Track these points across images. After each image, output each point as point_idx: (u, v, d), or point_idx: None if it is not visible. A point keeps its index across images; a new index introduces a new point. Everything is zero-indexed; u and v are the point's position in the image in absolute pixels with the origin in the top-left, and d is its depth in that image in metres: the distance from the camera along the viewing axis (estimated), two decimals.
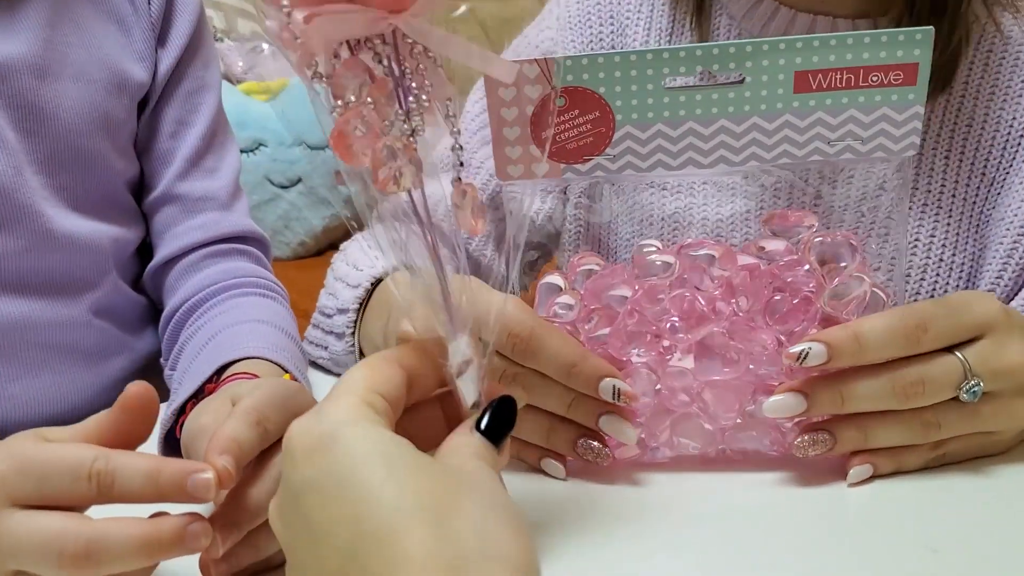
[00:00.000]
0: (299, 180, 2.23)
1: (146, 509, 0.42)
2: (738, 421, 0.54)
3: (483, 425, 0.39)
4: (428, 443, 0.38)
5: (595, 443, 0.53)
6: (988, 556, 0.46)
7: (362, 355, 0.71)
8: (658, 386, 0.54)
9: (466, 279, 0.43)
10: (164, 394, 0.69)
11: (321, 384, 0.72)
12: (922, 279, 0.73)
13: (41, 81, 0.73)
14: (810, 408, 0.50)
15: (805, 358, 0.49)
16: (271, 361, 0.65)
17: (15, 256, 0.72)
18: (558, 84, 0.50)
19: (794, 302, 0.52)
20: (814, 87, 0.50)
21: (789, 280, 0.53)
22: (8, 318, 0.73)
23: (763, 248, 0.55)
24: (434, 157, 0.42)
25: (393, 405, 0.39)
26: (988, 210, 0.73)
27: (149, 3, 0.81)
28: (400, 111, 0.41)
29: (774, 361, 0.53)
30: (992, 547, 0.46)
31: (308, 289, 0.88)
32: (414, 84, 0.41)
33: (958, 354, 0.50)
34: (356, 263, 0.73)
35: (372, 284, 0.70)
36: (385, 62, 0.41)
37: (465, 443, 0.39)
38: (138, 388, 0.43)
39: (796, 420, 0.53)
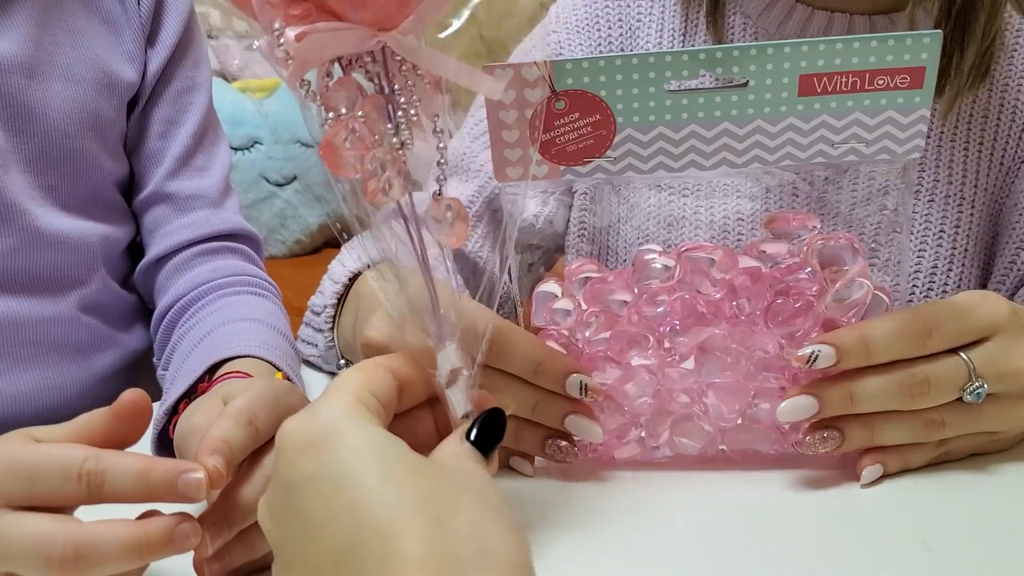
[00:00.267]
0: (295, 178, 2.22)
1: (135, 509, 0.42)
2: (738, 422, 0.54)
3: (472, 436, 0.39)
4: (418, 451, 0.38)
5: (563, 443, 0.53)
6: (980, 553, 0.46)
7: (342, 354, 0.70)
8: (658, 387, 0.54)
9: (454, 291, 0.43)
10: (156, 393, 0.68)
11: (314, 382, 0.72)
12: (949, 271, 0.74)
13: (30, 81, 0.73)
14: (822, 409, 0.51)
15: (815, 360, 0.49)
16: (263, 359, 0.65)
17: (1, 255, 0.72)
18: (559, 87, 0.50)
19: (796, 306, 0.52)
20: (819, 90, 0.49)
21: (791, 283, 0.53)
22: None
23: (764, 251, 0.55)
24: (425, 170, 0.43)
25: (385, 407, 0.39)
26: (1002, 199, 0.74)
27: (139, 3, 0.81)
28: (389, 126, 0.41)
29: (774, 365, 0.53)
30: (984, 545, 0.47)
31: (304, 287, 0.88)
32: (403, 99, 0.41)
33: (963, 356, 0.50)
34: (343, 260, 0.73)
35: (350, 279, 0.70)
36: (376, 80, 0.41)
37: (456, 451, 0.39)
38: (133, 395, 0.43)
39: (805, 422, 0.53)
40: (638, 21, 0.82)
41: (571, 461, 0.54)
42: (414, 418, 0.44)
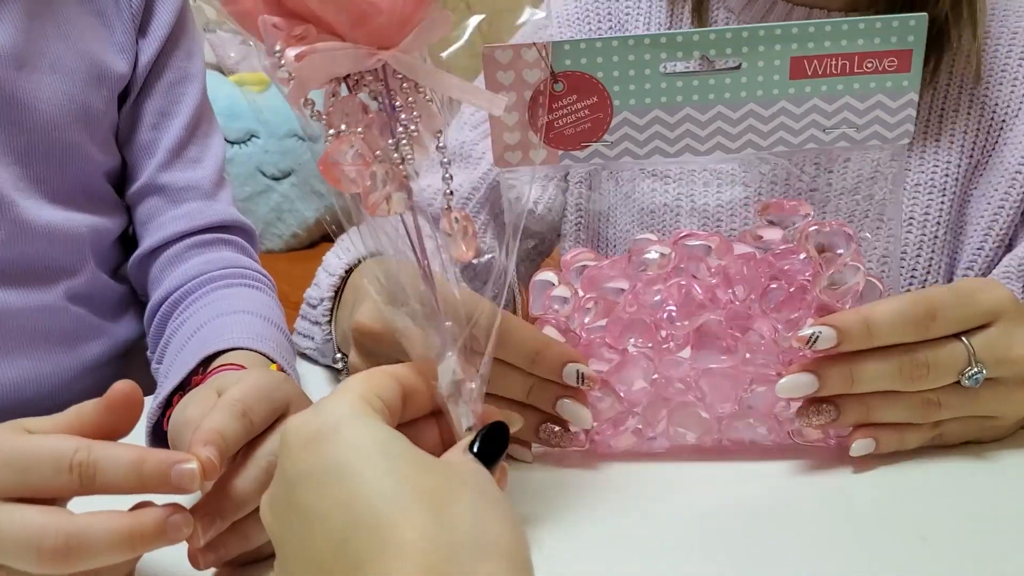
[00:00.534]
0: (291, 172, 2.22)
1: (128, 501, 0.42)
2: (735, 409, 0.54)
3: (475, 448, 0.39)
4: None
5: (557, 427, 0.53)
6: (978, 546, 0.46)
7: (339, 347, 0.70)
8: (655, 375, 0.54)
9: (457, 300, 0.44)
10: (147, 382, 0.68)
11: (309, 375, 0.72)
12: (918, 256, 0.76)
13: (19, 72, 0.73)
14: (822, 387, 0.51)
15: (815, 342, 0.49)
16: (257, 351, 0.65)
17: None
18: (557, 69, 0.50)
19: (791, 290, 0.52)
20: (809, 73, 0.50)
21: (786, 268, 0.53)
22: None
23: (759, 237, 0.55)
24: (420, 188, 0.44)
25: (390, 411, 0.39)
26: (971, 189, 0.76)
27: None
28: (391, 142, 0.42)
29: (771, 350, 0.53)
30: (982, 537, 0.47)
31: (300, 281, 0.88)
32: (403, 116, 0.42)
33: (964, 341, 0.50)
34: (338, 252, 0.73)
35: (347, 272, 0.70)
36: (378, 98, 0.42)
37: (459, 458, 0.39)
38: (124, 387, 0.43)
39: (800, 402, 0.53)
40: (626, 15, 0.84)
41: (564, 446, 0.54)
42: (419, 429, 0.44)
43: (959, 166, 0.76)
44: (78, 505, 0.41)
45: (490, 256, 0.80)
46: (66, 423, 0.43)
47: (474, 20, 0.44)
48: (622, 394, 0.54)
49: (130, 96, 0.82)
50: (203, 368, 0.63)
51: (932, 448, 0.54)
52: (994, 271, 0.74)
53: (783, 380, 0.51)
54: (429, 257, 0.44)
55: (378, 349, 0.52)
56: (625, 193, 0.82)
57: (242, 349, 0.64)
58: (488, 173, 0.82)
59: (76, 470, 0.40)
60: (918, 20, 0.49)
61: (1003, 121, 0.76)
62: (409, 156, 0.42)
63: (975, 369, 0.50)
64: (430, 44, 0.43)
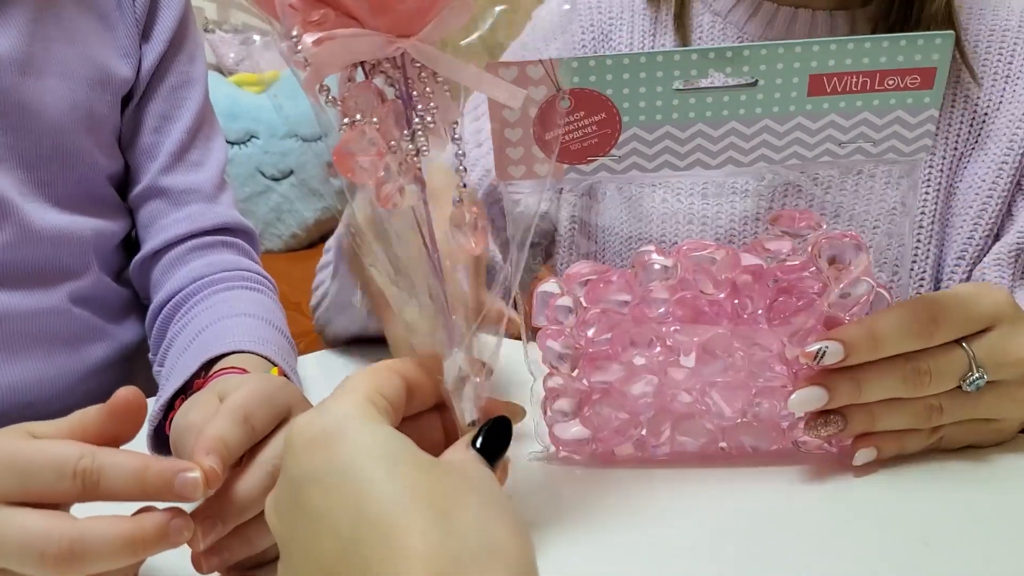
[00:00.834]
0: (291, 172, 2.22)
1: (130, 505, 0.41)
2: (740, 421, 0.54)
3: (478, 444, 0.39)
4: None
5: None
6: (980, 549, 0.46)
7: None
8: (659, 387, 0.54)
9: (465, 295, 0.44)
10: (150, 386, 0.68)
11: (310, 378, 0.72)
12: (901, 246, 0.77)
13: (24, 77, 0.73)
14: (831, 400, 0.51)
15: (822, 357, 0.50)
16: (258, 354, 0.64)
17: None
18: (564, 85, 0.49)
19: (798, 304, 0.52)
20: (828, 90, 0.49)
21: (794, 281, 0.53)
22: None
23: (768, 248, 0.55)
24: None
25: (395, 409, 0.39)
26: (957, 181, 0.78)
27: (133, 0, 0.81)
28: (406, 132, 0.41)
29: (777, 363, 0.53)
30: (983, 540, 0.47)
31: (300, 281, 0.88)
32: (420, 106, 0.42)
33: (965, 347, 0.51)
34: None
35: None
36: (396, 86, 0.42)
37: (462, 457, 0.39)
38: (127, 393, 0.43)
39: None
40: (609, 25, 0.85)
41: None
42: (422, 423, 0.44)
43: (944, 158, 0.78)
44: (80, 510, 0.41)
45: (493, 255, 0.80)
46: (70, 428, 0.43)
47: (496, 9, 0.43)
48: (627, 406, 0.54)
49: (133, 100, 0.83)
50: (205, 372, 0.63)
51: (934, 452, 0.54)
52: (985, 259, 0.76)
53: (795, 396, 0.51)
54: (440, 251, 0.43)
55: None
56: (629, 203, 0.82)
57: (244, 352, 0.64)
58: (481, 180, 0.82)
59: (80, 477, 0.40)
60: (944, 38, 0.48)
61: (985, 114, 0.79)
62: (424, 148, 0.42)
63: (976, 375, 0.51)
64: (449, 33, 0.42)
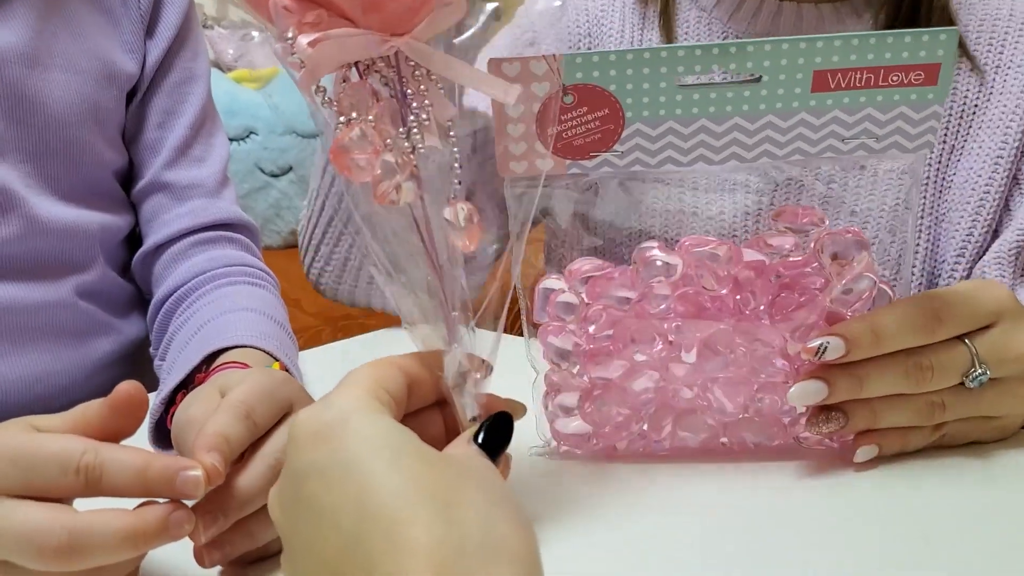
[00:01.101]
0: (290, 168, 2.22)
1: (132, 499, 0.41)
2: (742, 417, 0.54)
3: (480, 439, 0.39)
4: None
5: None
6: (981, 546, 0.46)
7: None
8: (661, 383, 0.54)
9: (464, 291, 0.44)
10: (155, 382, 0.68)
11: (311, 373, 0.72)
12: (891, 243, 0.77)
13: (30, 71, 0.73)
14: (831, 394, 0.51)
15: (823, 352, 0.49)
16: (260, 349, 0.65)
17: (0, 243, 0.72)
18: (568, 81, 0.49)
19: (800, 300, 0.52)
20: (832, 86, 0.49)
21: (796, 277, 0.53)
22: None
23: (770, 244, 0.55)
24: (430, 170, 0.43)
25: (397, 403, 0.39)
26: (950, 176, 0.78)
27: None
28: (402, 130, 0.42)
29: (778, 360, 0.53)
30: (984, 537, 0.47)
31: (299, 278, 0.88)
32: (415, 104, 0.42)
33: (967, 343, 0.51)
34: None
35: None
36: (390, 84, 0.42)
37: (464, 452, 0.39)
38: (128, 387, 0.43)
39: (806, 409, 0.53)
40: (601, 11, 0.86)
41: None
42: (424, 419, 0.44)
43: (931, 152, 0.77)
44: (82, 503, 0.41)
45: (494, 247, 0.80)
46: (73, 422, 0.43)
47: (489, 6, 0.44)
48: (628, 402, 0.54)
49: (137, 95, 0.83)
50: (206, 366, 0.63)
51: (935, 449, 0.54)
52: (985, 257, 0.75)
53: (794, 389, 0.51)
54: (437, 247, 0.43)
55: None
56: (630, 198, 0.82)
57: (245, 347, 0.64)
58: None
59: (83, 472, 0.39)
60: (949, 34, 0.48)
61: (975, 106, 0.78)
62: (420, 145, 0.42)
63: (979, 371, 0.51)
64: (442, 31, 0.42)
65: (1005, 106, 0.77)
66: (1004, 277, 0.74)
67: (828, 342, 0.49)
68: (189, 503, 0.42)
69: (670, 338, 0.53)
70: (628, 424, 0.55)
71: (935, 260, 0.78)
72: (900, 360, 0.50)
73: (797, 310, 0.52)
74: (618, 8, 0.85)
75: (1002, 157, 0.76)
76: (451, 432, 0.44)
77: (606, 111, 0.50)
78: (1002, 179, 0.76)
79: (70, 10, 0.77)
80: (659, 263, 0.53)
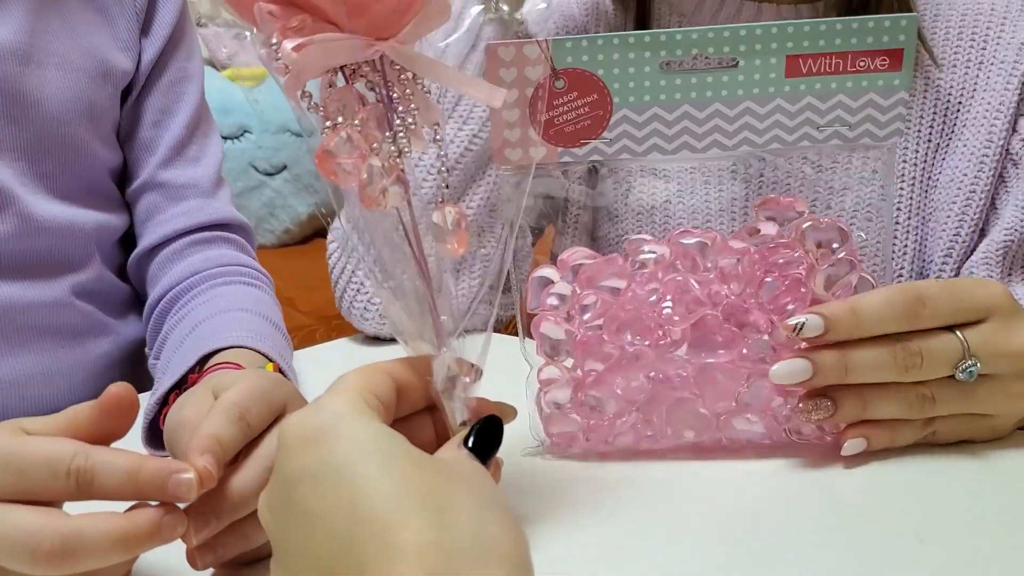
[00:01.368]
0: (284, 167, 2.21)
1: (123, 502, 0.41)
2: (733, 405, 0.54)
3: (470, 443, 0.39)
4: None
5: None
6: (974, 545, 0.46)
7: None
8: (653, 372, 0.54)
9: (449, 281, 0.44)
10: (150, 385, 0.68)
11: (306, 374, 0.71)
12: (878, 243, 0.78)
13: (25, 68, 0.73)
14: (815, 375, 0.50)
15: (801, 329, 0.50)
16: (254, 350, 0.64)
17: None
18: (558, 66, 0.51)
19: (785, 283, 0.53)
20: (804, 71, 0.51)
21: (780, 262, 0.53)
22: None
23: (757, 231, 0.55)
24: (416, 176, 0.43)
25: (386, 408, 0.39)
26: (936, 175, 0.78)
27: None
28: (388, 134, 0.42)
29: (767, 345, 0.53)
30: (978, 536, 0.47)
31: (293, 277, 0.88)
32: (401, 108, 0.42)
33: (958, 334, 0.51)
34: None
35: None
36: (376, 89, 0.42)
37: (454, 456, 0.39)
38: (119, 389, 0.43)
39: (797, 390, 0.53)
40: (586, 18, 0.86)
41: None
42: (414, 425, 0.44)
43: (916, 151, 0.78)
44: (72, 506, 0.41)
45: (485, 250, 0.80)
46: (63, 424, 0.43)
47: (474, 10, 0.44)
48: (620, 391, 0.54)
49: (132, 94, 0.83)
50: (199, 366, 0.63)
51: (929, 448, 0.54)
52: (973, 257, 0.75)
53: (777, 366, 0.51)
54: (425, 252, 0.43)
55: None
56: (623, 191, 0.82)
57: (239, 347, 0.64)
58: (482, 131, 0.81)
59: (73, 476, 0.39)
60: (909, 20, 0.50)
61: (959, 103, 0.78)
62: (407, 149, 0.42)
63: (969, 362, 0.50)
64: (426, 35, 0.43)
65: (989, 103, 0.77)
66: (992, 277, 0.74)
67: (806, 319, 0.50)
68: (181, 505, 0.41)
69: (660, 325, 0.54)
70: (621, 414, 0.55)
71: (923, 260, 0.78)
72: (888, 344, 0.50)
73: (783, 296, 0.53)
74: (602, 14, 0.85)
75: (987, 155, 0.76)
76: (441, 437, 0.44)
77: (595, 96, 0.52)
78: (988, 178, 0.76)
79: (64, 7, 0.77)
80: (648, 255, 0.54)
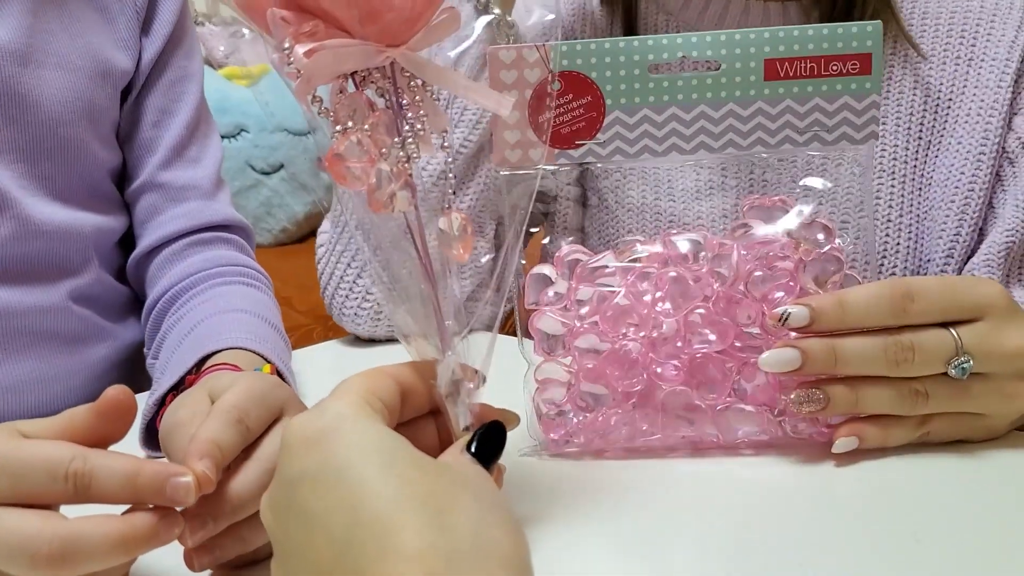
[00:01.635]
0: (281, 166, 2.21)
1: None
2: (727, 398, 0.54)
3: (473, 448, 0.39)
4: None
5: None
6: (970, 546, 0.46)
7: None
8: (648, 364, 0.54)
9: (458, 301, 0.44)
10: (147, 386, 0.68)
11: (304, 375, 0.71)
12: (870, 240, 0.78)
13: (23, 69, 0.73)
14: (805, 363, 0.51)
15: (787, 319, 0.50)
16: (252, 351, 0.64)
17: None
18: (554, 68, 0.52)
19: (773, 274, 0.53)
20: (782, 75, 0.53)
21: (768, 255, 0.54)
22: None
23: (744, 231, 0.56)
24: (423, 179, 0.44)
25: (389, 411, 0.40)
26: (929, 172, 0.78)
27: None
28: (396, 140, 0.42)
29: (758, 338, 0.53)
30: (974, 537, 0.47)
31: (290, 276, 0.88)
32: (410, 114, 0.43)
33: (952, 331, 0.51)
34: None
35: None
36: (386, 95, 0.42)
37: (457, 461, 0.39)
38: (116, 393, 0.43)
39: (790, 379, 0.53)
40: (572, 18, 0.87)
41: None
42: (417, 429, 0.44)
43: (907, 148, 0.77)
44: (70, 508, 0.41)
45: (488, 257, 0.80)
46: (60, 427, 0.43)
47: (484, 19, 0.44)
48: (616, 385, 0.54)
49: (132, 94, 0.83)
50: (197, 368, 0.63)
51: (925, 448, 0.54)
52: (973, 259, 0.75)
53: (766, 354, 0.51)
54: (431, 256, 0.44)
55: None
56: (616, 195, 0.82)
57: (238, 349, 0.64)
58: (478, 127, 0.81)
59: (71, 479, 0.39)
60: (874, 27, 0.53)
61: (949, 99, 0.77)
62: (415, 154, 0.43)
63: (962, 359, 0.50)
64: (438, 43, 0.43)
65: (983, 100, 0.76)
66: (994, 278, 0.73)
67: (792, 309, 0.50)
68: (179, 508, 0.41)
69: (653, 319, 0.54)
70: (617, 406, 0.55)
71: (919, 259, 0.78)
72: (879, 337, 0.50)
73: (772, 290, 0.53)
74: (588, 15, 0.86)
75: (984, 154, 0.76)
76: (445, 442, 0.44)
77: (589, 98, 0.53)
78: (985, 176, 0.75)
79: (64, 6, 0.76)
80: (640, 248, 0.55)
